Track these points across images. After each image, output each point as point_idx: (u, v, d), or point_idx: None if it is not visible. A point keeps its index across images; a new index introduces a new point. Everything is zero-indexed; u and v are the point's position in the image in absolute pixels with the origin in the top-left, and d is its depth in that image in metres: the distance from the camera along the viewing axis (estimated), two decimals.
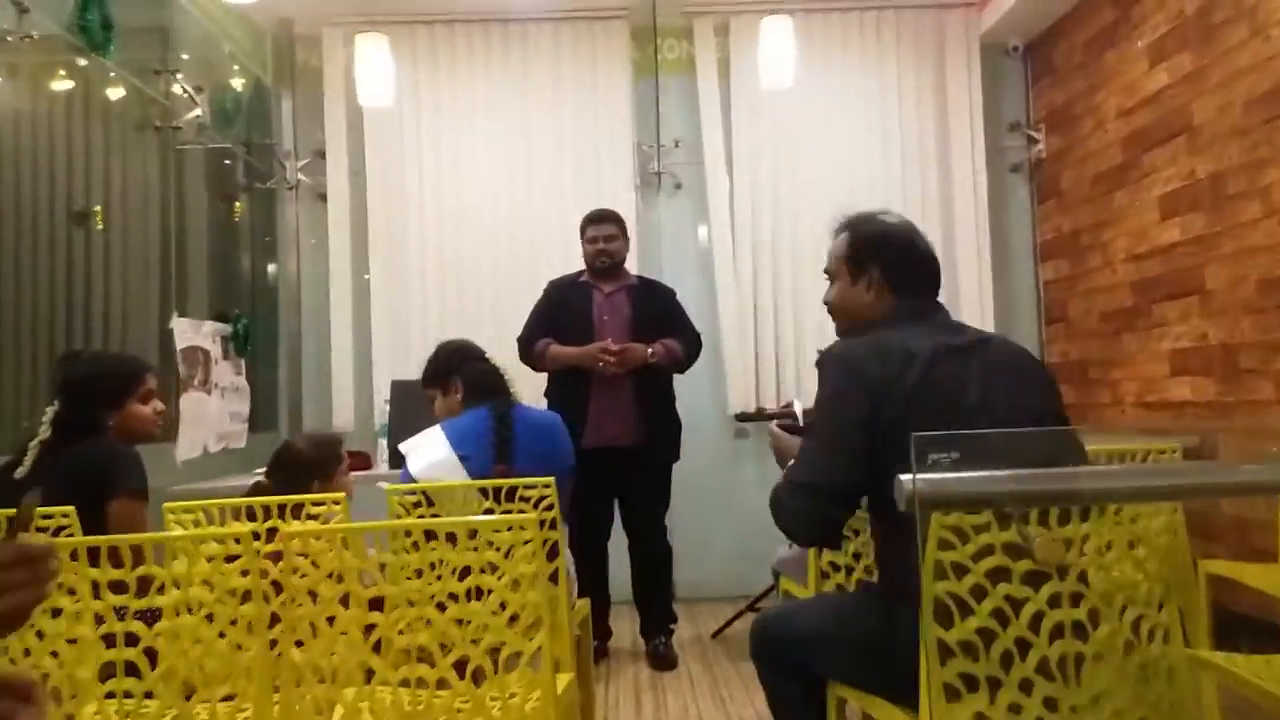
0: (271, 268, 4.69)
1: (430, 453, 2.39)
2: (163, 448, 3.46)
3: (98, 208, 3.08)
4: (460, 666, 1.38)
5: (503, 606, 1.39)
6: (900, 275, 1.82)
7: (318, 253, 4.64)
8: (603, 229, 3.68)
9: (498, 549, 1.39)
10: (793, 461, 1.77)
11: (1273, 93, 3.16)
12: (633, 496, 3.66)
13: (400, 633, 1.39)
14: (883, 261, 1.83)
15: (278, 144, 4.59)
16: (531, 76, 4.60)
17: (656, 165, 4.69)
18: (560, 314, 3.65)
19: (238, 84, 4.40)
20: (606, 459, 3.44)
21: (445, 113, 4.56)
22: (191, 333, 3.71)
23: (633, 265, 4.25)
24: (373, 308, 4.52)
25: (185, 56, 3.76)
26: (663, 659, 3.59)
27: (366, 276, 4.56)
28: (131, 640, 1.53)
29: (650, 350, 3.52)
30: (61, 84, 3.05)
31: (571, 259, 4.32)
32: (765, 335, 4.52)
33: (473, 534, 1.38)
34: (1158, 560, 1.45)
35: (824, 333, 3.67)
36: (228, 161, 4.34)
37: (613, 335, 3.53)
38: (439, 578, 1.41)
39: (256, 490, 2.50)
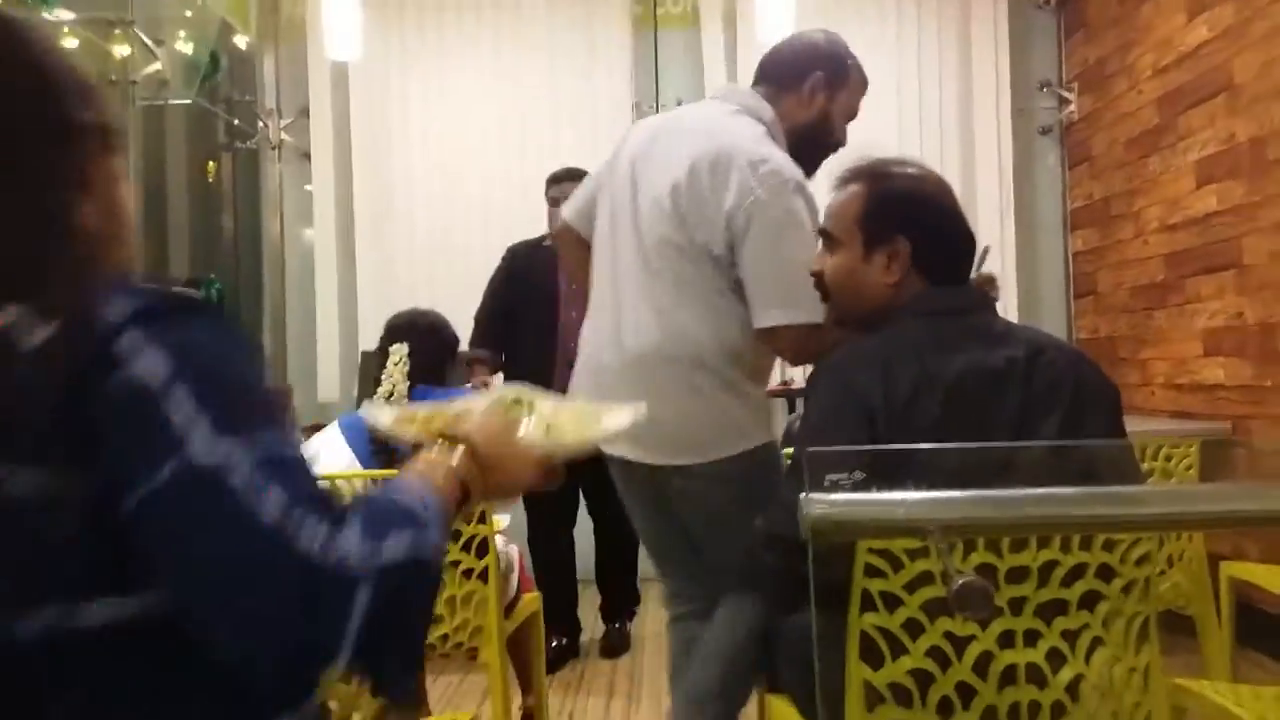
0: (257, 230, 4.52)
1: (329, 456, 2.10)
2: None
3: None
4: None
5: None
6: (934, 254, 1.38)
7: (302, 215, 4.46)
8: (564, 189, 3.21)
9: None
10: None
11: None
12: (595, 485, 3.29)
13: None
14: (915, 233, 1.38)
15: (260, 102, 4.40)
16: (525, 32, 4.34)
17: None
18: (520, 285, 3.28)
19: (216, 39, 4.21)
20: None
21: (434, 69, 4.33)
22: None
23: None
24: (358, 272, 4.33)
25: (154, 14, 3.57)
26: (610, 645, 3.42)
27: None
28: None
29: None
30: None
31: None
32: None
33: None
34: (1137, 591, 1.21)
35: None
36: (209, 120, 4.16)
37: (578, 308, 3.23)
38: None
39: None
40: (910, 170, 1.45)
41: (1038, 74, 4.56)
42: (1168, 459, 2.22)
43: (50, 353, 0.66)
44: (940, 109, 4.36)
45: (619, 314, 1.82)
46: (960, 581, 0.94)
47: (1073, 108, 4.45)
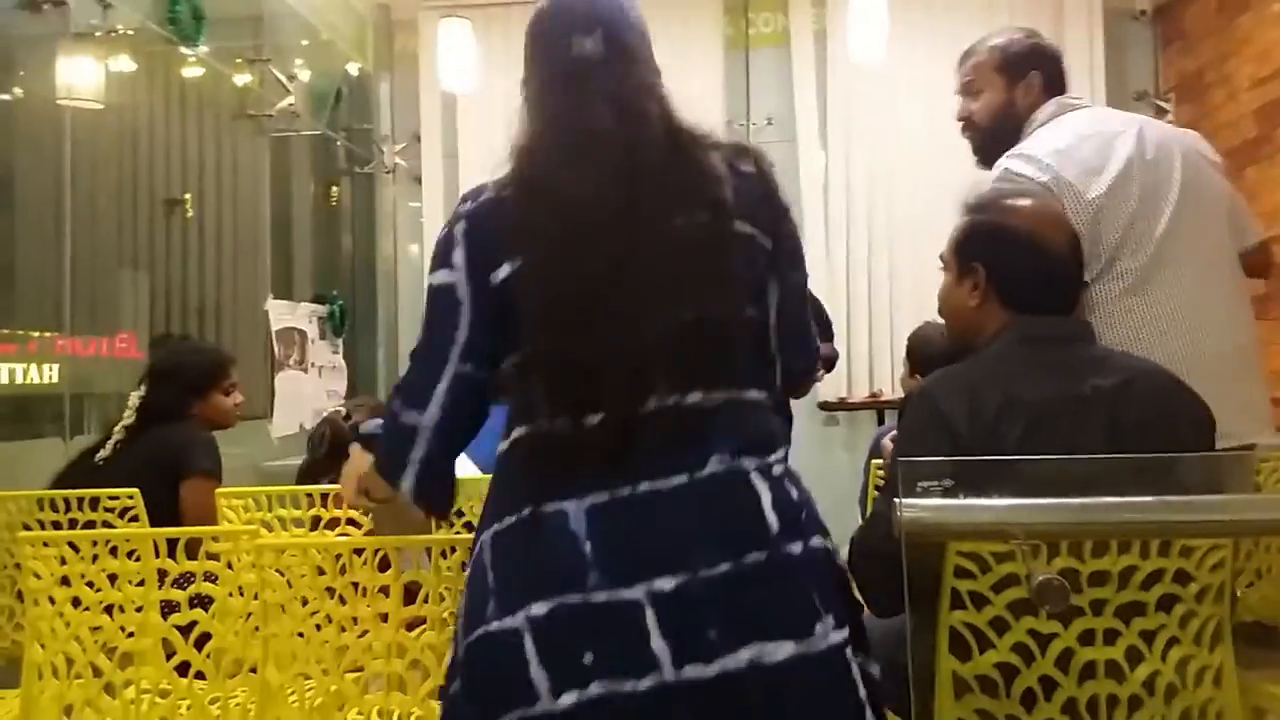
0: (372, 249, 4.82)
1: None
2: (260, 424, 3.61)
3: (188, 195, 3.22)
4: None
5: None
6: (1014, 285, 1.45)
7: (414, 234, 4.74)
8: None
9: None
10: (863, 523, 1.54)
11: None
12: None
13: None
14: (992, 263, 1.47)
15: (376, 129, 4.69)
16: None
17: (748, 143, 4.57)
18: None
19: (338, 71, 4.51)
20: None
21: None
22: (287, 314, 3.84)
23: None
24: None
25: (280, 46, 3.88)
26: None
27: None
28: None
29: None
30: (154, 76, 3.20)
31: None
32: (858, 321, 4.35)
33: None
34: (1212, 595, 1.31)
35: (920, 322, 3.49)
36: (330, 147, 4.47)
37: None
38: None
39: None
40: (1010, 201, 1.55)
41: (1134, 84, 4.55)
42: (1257, 473, 2.25)
43: (761, 175, 1.22)
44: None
45: (1208, 318, 1.87)
46: (1040, 578, 1.06)
47: (1170, 118, 4.42)
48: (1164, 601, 1.28)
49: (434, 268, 1.21)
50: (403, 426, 1.19)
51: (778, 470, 1.13)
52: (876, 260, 4.40)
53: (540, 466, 1.11)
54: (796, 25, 4.51)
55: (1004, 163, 1.85)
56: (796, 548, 1.09)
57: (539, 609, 1.03)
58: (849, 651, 1.08)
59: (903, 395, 3.02)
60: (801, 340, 1.29)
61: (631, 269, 1.10)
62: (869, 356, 4.33)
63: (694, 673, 1.01)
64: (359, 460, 1.36)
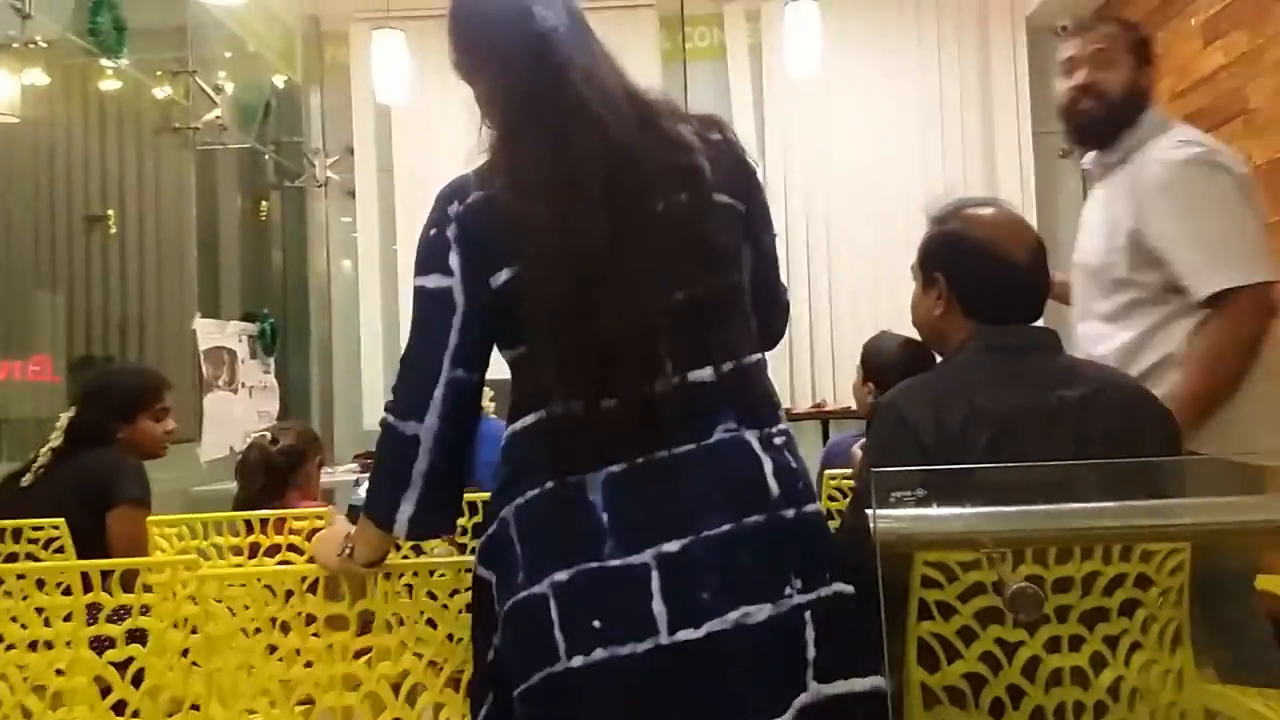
0: (304, 265, 4.70)
1: None
2: (188, 448, 3.48)
3: (110, 211, 3.09)
4: None
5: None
6: (975, 295, 1.45)
7: (348, 249, 4.63)
8: None
9: (432, 595, 1.31)
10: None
11: None
12: None
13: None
14: (953, 273, 1.48)
15: (307, 142, 4.58)
16: None
17: None
18: None
19: (266, 83, 4.40)
20: None
21: (473, 106, 4.49)
22: (216, 333, 3.72)
23: None
24: (401, 304, 4.48)
25: (206, 57, 3.77)
26: None
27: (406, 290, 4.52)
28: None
29: None
30: (73, 89, 3.07)
31: None
32: (800, 332, 4.39)
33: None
34: (1172, 599, 1.32)
35: (861, 332, 3.51)
36: (257, 160, 4.35)
37: None
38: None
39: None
40: (969, 211, 1.53)
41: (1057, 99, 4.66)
42: None
43: (728, 141, 1.24)
44: (963, 137, 4.49)
45: None
46: (1014, 587, 1.06)
47: None
48: (1126, 606, 1.29)
49: (425, 270, 1.18)
50: (403, 438, 1.16)
51: (779, 440, 1.18)
52: (817, 271, 4.44)
53: (559, 445, 1.13)
54: (732, 39, 4.56)
55: (1202, 151, 1.84)
56: (790, 513, 1.14)
57: (561, 576, 1.09)
58: (808, 614, 1.11)
59: (853, 403, 3.04)
60: (777, 297, 1.36)
61: (623, 252, 1.11)
62: (811, 367, 4.36)
63: (685, 636, 1.07)
64: (341, 525, 1.34)
